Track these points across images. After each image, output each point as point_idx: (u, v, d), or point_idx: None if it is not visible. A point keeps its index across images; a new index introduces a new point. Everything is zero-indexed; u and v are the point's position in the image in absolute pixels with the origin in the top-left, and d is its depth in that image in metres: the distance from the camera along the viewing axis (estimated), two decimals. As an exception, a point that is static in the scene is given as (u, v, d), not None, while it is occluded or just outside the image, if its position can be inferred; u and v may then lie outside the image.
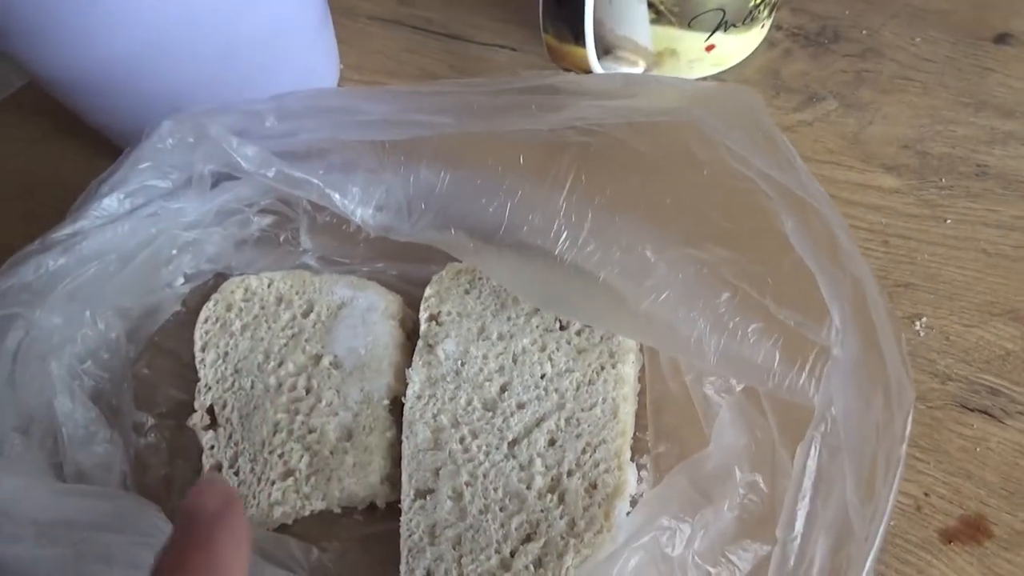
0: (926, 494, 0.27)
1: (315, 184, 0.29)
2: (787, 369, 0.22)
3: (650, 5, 0.36)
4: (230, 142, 0.28)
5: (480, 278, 0.32)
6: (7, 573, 0.20)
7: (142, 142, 0.29)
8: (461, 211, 0.28)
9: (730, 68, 0.41)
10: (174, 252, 0.32)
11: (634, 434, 0.29)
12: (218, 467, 0.30)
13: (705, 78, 0.41)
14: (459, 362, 0.30)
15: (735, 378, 0.24)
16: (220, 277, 0.35)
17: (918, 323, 0.30)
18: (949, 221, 0.33)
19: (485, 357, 0.30)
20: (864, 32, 0.41)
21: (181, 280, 0.33)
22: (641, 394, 0.30)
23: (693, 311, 0.23)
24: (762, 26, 0.40)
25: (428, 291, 0.32)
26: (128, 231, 0.28)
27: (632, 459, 0.28)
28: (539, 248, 0.26)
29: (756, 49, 0.41)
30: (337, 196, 0.29)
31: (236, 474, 0.30)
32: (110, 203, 0.28)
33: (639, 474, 0.28)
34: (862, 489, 0.19)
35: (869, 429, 0.20)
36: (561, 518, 0.26)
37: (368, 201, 0.30)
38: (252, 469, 0.30)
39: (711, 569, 0.23)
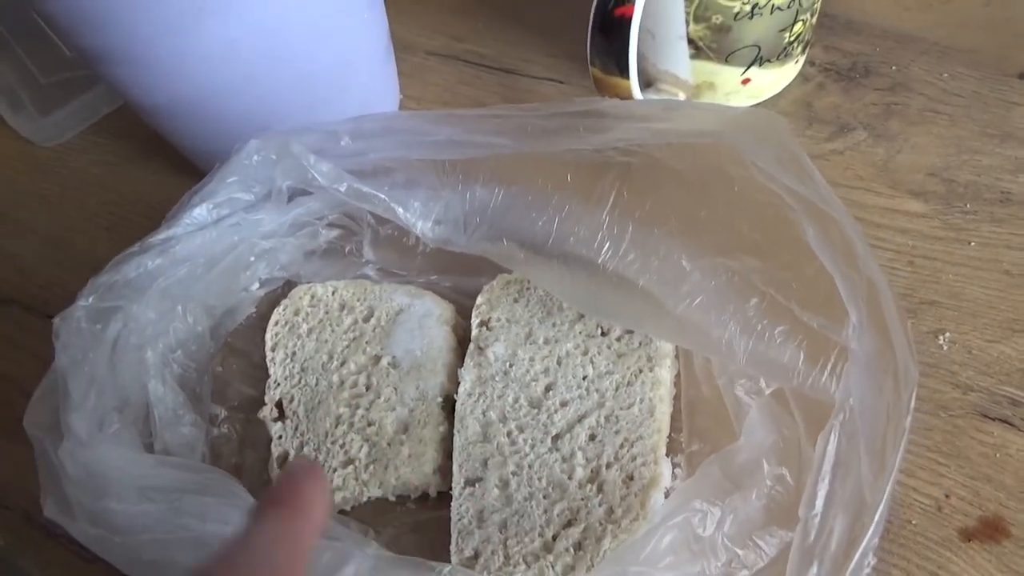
0: (947, 496, 0.28)
1: (381, 199, 0.32)
2: (810, 368, 0.24)
3: (690, 41, 0.39)
4: (308, 159, 0.31)
5: (528, 288, 0.34)
6: (119, 522, 0.23)
7: (231, 158, 0.32)
8: (513, 225, 0.31)
9: (765, 100, 0.43)
10: (252, 259, 0.35)
11: (669, 435, 0.31)
12: (285, 455, 0.33)
13: (741, 110, 0.43)
14: (507, 363, 0.33)
15: (763, 377, 0.26)
16: (289, 284, 0.38)
17: (942, 338, 0.32)
18: (973, 244, 0.35)
19: (532, 359, 0.33)
20: (894, 68, 0.43)
21: (257, 285, 0.36)
22: (676, 397, 0.32)
23: (724, 315, 0.26)
24: (796, 62, 0.43)
25: (480, 299, 0.35)
26: (215, 238, 0.32)
27: (667, 457, 0.31)
28: (584, 258, 0.29)
29: (791, 83, 0.44)
30: (400, 210, 0.32)
31: (302, 461, 0.33)
32: (200, 212, 0.32)
33: (673, 471, 0.30)
34: (875, 465, 0.21)
35: (881, 412, 0.22)
36: (600, 506, 0.29)
37: (428, 215, 0.33)
38: (316, 458, 0.33)
39: (739, 551, 0.24)
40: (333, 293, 0.37)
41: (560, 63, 0.49)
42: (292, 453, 0.33)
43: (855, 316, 0.23)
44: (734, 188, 0.26)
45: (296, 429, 0.34)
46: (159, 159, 0.49)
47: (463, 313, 0.36)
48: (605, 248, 0.28)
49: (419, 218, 0.33)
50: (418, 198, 0.32)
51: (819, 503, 0.22)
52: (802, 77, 0.44)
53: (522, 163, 0.30)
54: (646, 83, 0.44)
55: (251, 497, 0.26)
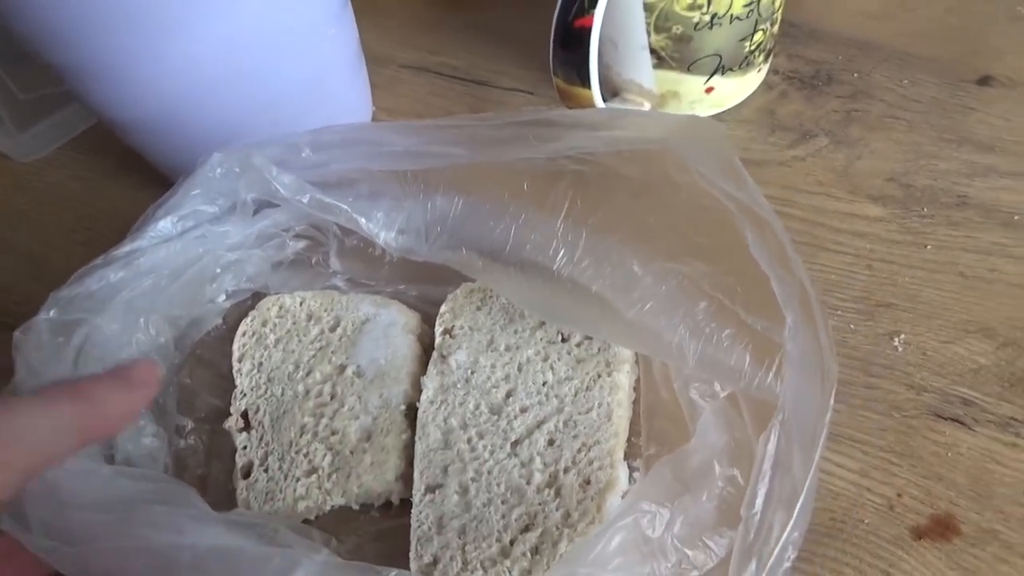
0: (899, 495, 0.29)
1: (344, 209, 0.33)
2: (756, 370, 0.25)
3: (652, 51, 0.40)
4: (271, 171, 0.31)
5: (491, 296, 0.35)
6: (73, 533, 0.23)
7: (195, 172, 0.33)
8: (472, 233, 0.31)
9: (730, 109, 0.44)
10: (218, 271, 0.35)
11: (629, 439, 0.32)
12: (249, 466, 0.33)
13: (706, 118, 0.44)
14: (469, 371, 0.33)
15: (712, 379, 0.27)
16: (257, 296, 0.38)
17: (896, 339, 0.33)
18: (929, 247, 0.35)
19: (493, 366, 0.33)
20: (855, 75, 0.44)
21: (223, 296, 0.37)
22: (636, 402, 0.32)
23: (674, 319, 0.26)
24: (759, 70, 0.43)
25: (443, 308, 0.36)
26: (179, 250, 0.32)
27: (626, 461, 0.31)
28: (540, 265, 0.29)
29: (755, 91, 0.45)
30: (363, 220, 0.33)
31: (266, 471, 0.33)
32: (164, 225, 0.32)
33: (632, 475, 0.31)
34: (806, 462, 0.22)
35: (812, 410, 0.23)
36: (557, 510, 0.29)
37: (391, 225, 0.33)
38: (280, 467, 0.33)
39: (689, 552, 0.25)
40: (301, 304, 0.38)
41: (529, 74, 0.50)
42: (256, 463, 0.33)
43: (790, 318, 0.23)
44: (681, 194, 0.27)
45: (261, 439, 0.34)
46: (135, 174, 0.49)
47: (429, 322, 0.37)
48: (560, 255, 0.29)
49: (382, 228, 0.33)
50: (381, 208, 0.33)
51: (759, 502, 0.22)
52: (766, 85, 0.45)
53: (480, 172, 0.31)
54: (612, 92, 0.44)
55: (208, 507, 0.27)
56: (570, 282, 0.29)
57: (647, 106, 0.43)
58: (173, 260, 0.32)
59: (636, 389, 0.33)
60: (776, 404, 0.24)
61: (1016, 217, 0.36)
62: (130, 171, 0.50)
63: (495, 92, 0.50)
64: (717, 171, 0.25)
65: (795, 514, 0.21)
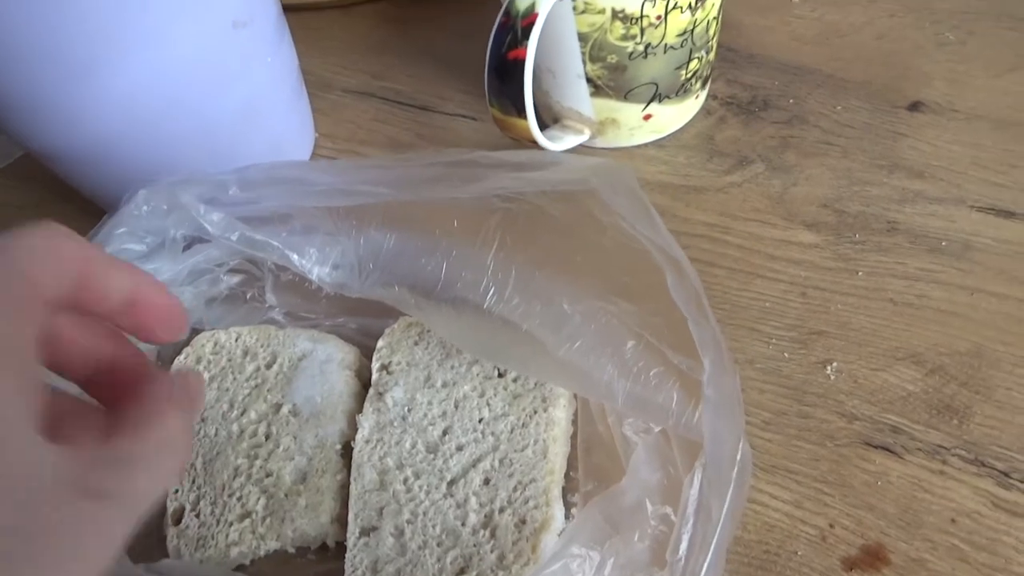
0: (831, 525, 0.29)
1: (275, 247, 0.32)
2: (683, 409, 0.25)
3: (589, 80, 0.40)
4: (198, 209, 0.31)
5: (428, 331, 0.34)
6: None
7: (119, 210, 0.32)
8: (404, 269, 0.31)
9: (669, 135, 0.44)
10: (148, 310, 0.34)
11: (568, 473, 0.31)
12: (181, 511, 0.33)
13: (646, 144, 0.44)
14: (406, 408, 0.33)
15: (641, 419, 0.27)
16: (193, 332, 0.37)
17: (829, 367, 0.33)
18: (861, 273, 0.36)
19: (430, 403, 0.33)
20: (791, 101, 0.45)
21: (154, 338, 0.36)
22: (573, 436, 0.32)
23: (603, 358, 0.26)
24: (696, 96, 0.44)
25: (380, 343, 0.35)
26: (104, 293, 0.31)
27: (565, 497, 0.31)
28: (472, 302, 0.29)
29: (694, 116, 0.45)
30: (296, 257, 0.32)
31: (197, 516, 0.32)
32: (87, 267, 0.31)
33: (570, 511, 0.31)
34: (719, 507, 0.22)
35: (728, 454, 0.23)
36: (492, 552, 0.28)
37: (324, 261, 0.33)
38: (212, 512, 0.32)
39: (620, 595, 0.25)
40: (236, 339, 0.37)
41: (473, 100, 0.50)
42: (188, 508, 0.32)
43: (707, 362, 0.24)
44: (606, 234, 0.27)
45: (193, 482, 0.33)
46: (70, 203, 0.48)
47: (369, 355, 0.36)
48: (490, 293, 0.28)
49: (315, 264, 0.33)
50: (314, 244, 0.32)
51: (683, 547, 0.22)
52: (705, 111, 0.45)
53: (410, 209, 0.31)
54: (552, 119, 0.44)
55: (129, 561, 0.26)
56: (501, 319, 0.29)
57: (587, 133, 0.43)
58: (98, 303, 0.31)
59: (574, 423, 0.32)
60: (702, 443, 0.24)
61: (943, 243, 0.36)
62: (64, 200, 0.49)
63: (439, 117, 0.50)
64: (634, 213, 0.26)
65: (707, 559, 0.21)
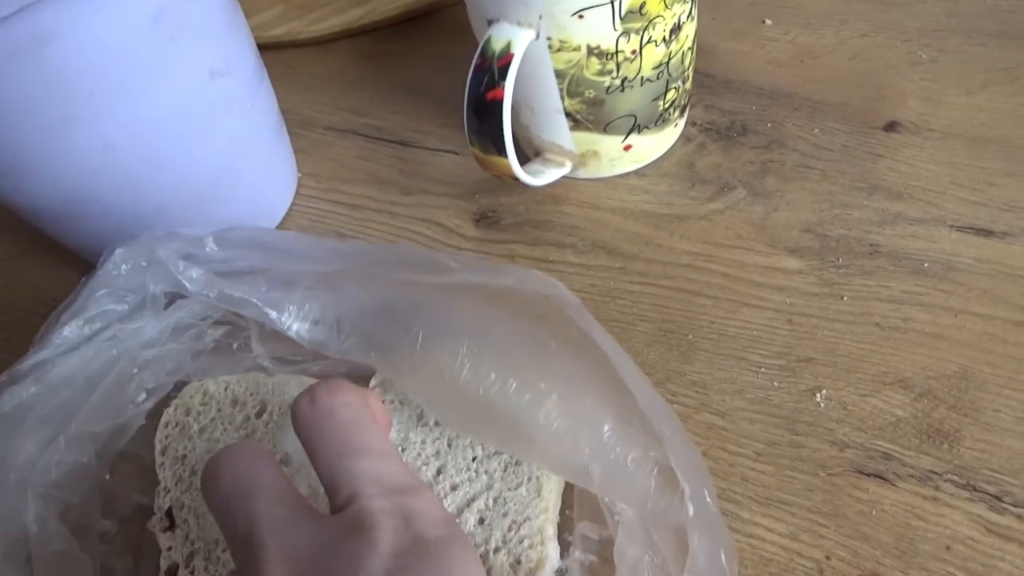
0: (828, 557, 0.29)
1: (253, 303, 0.32)
2: (661, 496, 0.25)
3: (567, 114, 0.40)
4: (177, 266, 0.31)
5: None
6: None
7: (97, 271, 0.32)
8: (383, 333, 0.31)
9: (650, 163, 0.45)
10: (135, 371, 0.34)
11: (564, 511, 0.31)
12: (174, 568, 0.32)
13: (628, 173, 0.44)
14: (400, 447, 0.33)
15: (619, 501, 0.27)
16: (181, 384, 0.37)
17: (818, 395, 0.33)
18: (846, 298, 0.36)
19: (423, 442, 0.32)
20: (769, 125, 0.45)
21: (144, 395, 0.35)
22: (568, 474, 0.32)
23: (580, 440, 0.26)
24: (675, 125, 0.44)
25: (373, 382, 0.35)
26: (91, 356, 0.31)
27: (562, 535, 0.31)
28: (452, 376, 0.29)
29: (673, 145, 0.45)
30: (274, 313, 0.32)
31: (192, 573, 0.32)
32: (70, 331, 0.31)
33: (567, 550, 0.30)
34: None
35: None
36: None
37: (304, 317, 0.33)
38: (206, 568, 0.32)
39: None
40: (225, 389, 0.37)
41: (453, 133, 0.50)
42: (181, 565, 0.32)
43: (688, 489, 0.24)
44: (573, 324, 0.27)
45: (187, 538, 0.33)
46: (55, 255, 0.48)
47: (359, 399, 0.36)
48: (466, 369, 0.29)
49: (294, 320, 0.33)
50: (293, 300, 0.32)
51: None
52: (684, 138, 0.46)
53: (392, 282, 0.31)
54: (534, 152, 0.45)
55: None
56: (479, 394, 0.29)
57: (568, 165, 0.43)
58: (86, 367, 0.31)
59: None
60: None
61: (926, 264, 0.37)
62: (47, 250, 0.49)
63: (420, 153, 0.50)
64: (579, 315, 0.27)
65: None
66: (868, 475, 0.31)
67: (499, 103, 0.36)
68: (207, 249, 0.32)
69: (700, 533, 0.24)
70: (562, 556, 0.30)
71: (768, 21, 0.52)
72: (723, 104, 0.47)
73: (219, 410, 0.36)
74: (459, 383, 0.28)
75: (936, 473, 0.30)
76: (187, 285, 0.31)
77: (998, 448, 0.31)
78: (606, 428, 0.26)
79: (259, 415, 0.36)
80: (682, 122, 0.45)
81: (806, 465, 0.31)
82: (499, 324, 0.28)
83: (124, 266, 0.32)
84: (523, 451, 0.29)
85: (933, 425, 0.32)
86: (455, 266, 0.30)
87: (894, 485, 0.30)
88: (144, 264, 0.32)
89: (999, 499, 0.29)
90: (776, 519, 0.30)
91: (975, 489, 0.30)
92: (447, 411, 0.30)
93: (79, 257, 0.44)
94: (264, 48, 0.47)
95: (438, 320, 0.29)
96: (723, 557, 0.24)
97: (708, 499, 0.25)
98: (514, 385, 0.27)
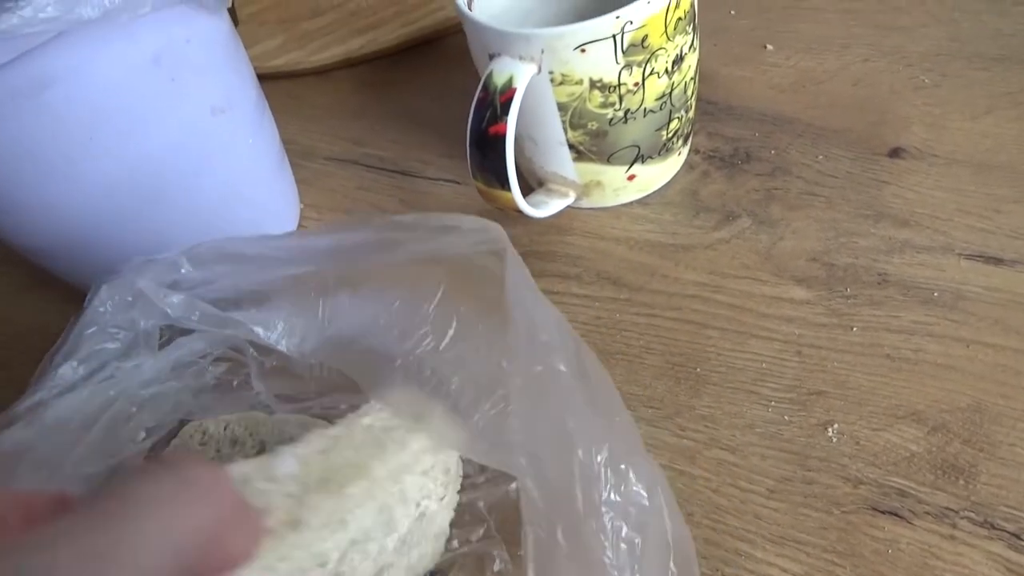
0: (844, 599, 0.28)
1: (240, 322, 0.32)
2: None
3: (571, 146, 0.40)
4: (158, 294, 0.30)
5: None
6: None
7: (84, 310, 0.31)
8: (358, 329, 0.31)
9: (654, 192, 0.44)
10: (134, 409, 0.34)
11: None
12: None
13: (631, 203, 0.44)
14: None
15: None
16: (181, 423, 0.37)
17: (830, 429, 0.33)
18: (855, 329, 0.36)
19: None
20: (773, 152, 0.45)
21: (143, 435, 0.35)
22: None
23: (538, 430, 0.25)
24: (679, 154, 0.44)
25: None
26: (87, 397, 0.31)
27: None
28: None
29: (677, 172, 0.45)
30: (262, 331, 0.32)
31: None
32: (65, 372, 0.30)
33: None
34: None
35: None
36: None
37: (293, 333, 0.32)
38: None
39: None
40: (225, 428, 0.36)
41: (455, 164, 0.50)
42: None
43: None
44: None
45: None
46: (52, 289, 0.48)
47: (362, 437, 0.36)
48: (427, 341, 0.28)
49: (283, 336, 0.32)
50: (280, 317, 0.32)
51: None
52: (688, 166, 0.45)
53: (356, 274, 0.31)
54: (537, 183, 0.44)
55: None
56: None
57: (572, 195, 0.43)
58: (82, 408, 0.30)
59: None
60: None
61: (935, 293, 0.36)
62: (45, 286, 0.48)
63: (422, 183, 0.50)
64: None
65: None
66: (883, 512, 0.30)
67: (502, 138, 0.36)
68: (183, 271, 0.31)
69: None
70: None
71: (769, 46, 0.52)
72: (726, 131, 0.47)
73: (218, 450, 0.35)
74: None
75: (952, 510, 0.30)
76: (168, 312, 0.31)
77: (1016, 484, 0.30)
78: (569, 421, 0.25)
79: (258, 455, 0.35)
80: (685, 150, 0.45)
81: (820, 502, 0.31)
82: (466, 298, 0.28)
83: (110, 302, 0.31)
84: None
85: (948, 460, 0.31)
86: (402, 238, 0.29)
87: (910, 523, 0.30)
88: (129, 299, 0.31)
89: (1018, 537, 0.29)
90: (791, 559, 0.30)
91: (993, 527, 0.29)
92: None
93: (80, 292, 0.44)
94: (264, 79, 0.46)
95: (405, 301, 0.29)
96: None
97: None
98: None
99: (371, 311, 0.31)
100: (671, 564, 0.24)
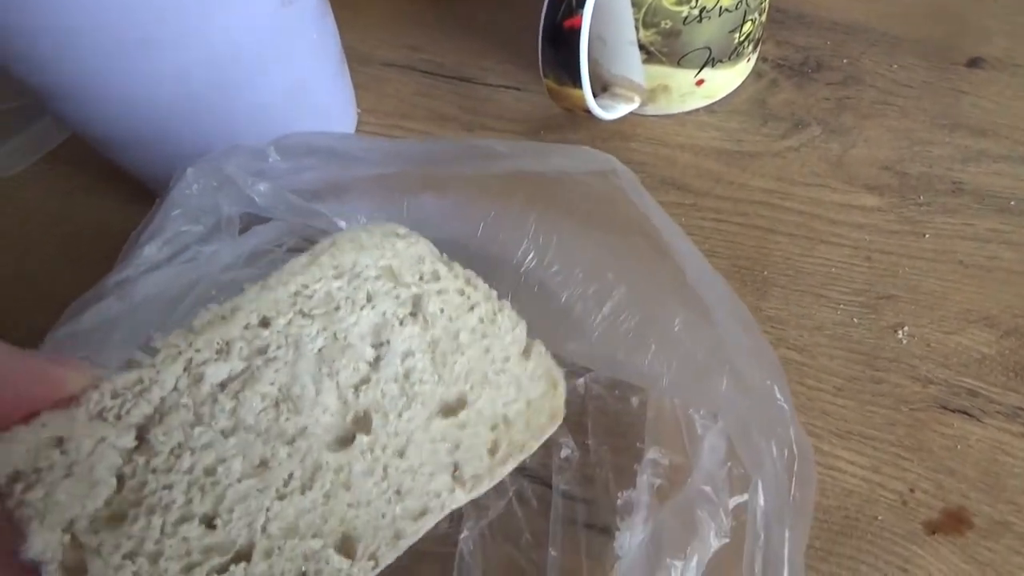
0: (911, 490, 0.29)
1: (324, 215, 0.32)
2: (732, 396, 0.24)
3: (641, 46, 0.39)
4: (246, 181, 0.31)
5: None
6: None
7: (171, 190, 0.32)
8: (445, 232, 0.31)
9: (720, 99, 0.44)
10: (214, 292, 0.35)
11: (634, 443, 0.31)
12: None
13: (697, 110, 0.43)
14: None
15: (687, 403, 0.26)
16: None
17: (900, 332, 0.33)
18: (928, 236, 0.35)
19: None
20: (845, 61, 0.44)
21: (221, 318, 0.36)
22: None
23: (647, 336, 0.26)
24: (748, 60, 0.43)
25: None
26: (172, 276, 0.31)
27: (630, 464, 0.31)
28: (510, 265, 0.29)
29: (744, 81, 0.44)
30: (344, 224, 0.32)
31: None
32: (151, 251, 0.31)
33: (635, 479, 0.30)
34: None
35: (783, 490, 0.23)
36: None
37: None
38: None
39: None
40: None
41: (517, 71, 0.49)
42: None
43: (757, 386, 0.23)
44: (643, 215, 0.26)
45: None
46: (119, 186, 0.48)
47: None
48: (530, 257, 0.28)
49: None
50: (362, 211, 0.32)
51: (757, 566, 0.22)
52: (756, 74, 0.44)
53: (446, 179, 0.31)
54: (602, 87, 0.44)
55: None
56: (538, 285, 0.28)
57: (637, 100, 0.43)
58: (167, 288, 0.31)
59: None
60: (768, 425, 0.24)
61: (1012, 202, 0.36)
62: (113, 183, 0.49)
63: (482, 89, 0.49)
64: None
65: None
66: (952, 411, 0.30)
67: (576, 31, 0.35)
68: (270, 160, 0.31)
69: (767, 437, 0.23)
70: (630, 485, 0.30)
71: (842, -46, 0.50)
72: (796, 39, 0.46)
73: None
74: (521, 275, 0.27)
75: (1024, 410, 0.30)
76: (256, 200, 0.31)
77: (1089, 386, 0.30)
78: (677, 322, 0.25)
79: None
80: (754, 57, 0.44)
81: (888, 400, 0.31)
82: (565, 217, 0.28)
83: (196, 185, 0.32)
84: (579, 352, 0.29)
85: (1020, 363, 0.31)
86: (505, 151, 0.29)
87: (980, 421, 0.30)
88: (215, 184, 0.32)
89: (1089, 436, 0.29)
90: (857, 452, 0.30)
91: (1065, 426, 0.29)
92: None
93: (145, 190, 0.44)
94: (324, -18, 0.46)
95: (501, 212, 0.28)
96: (794, 461, 0.23)
97: (779, 396, 0.24)
98: (579, 275, 0.26)
99: (461, 216, 0.30)
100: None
